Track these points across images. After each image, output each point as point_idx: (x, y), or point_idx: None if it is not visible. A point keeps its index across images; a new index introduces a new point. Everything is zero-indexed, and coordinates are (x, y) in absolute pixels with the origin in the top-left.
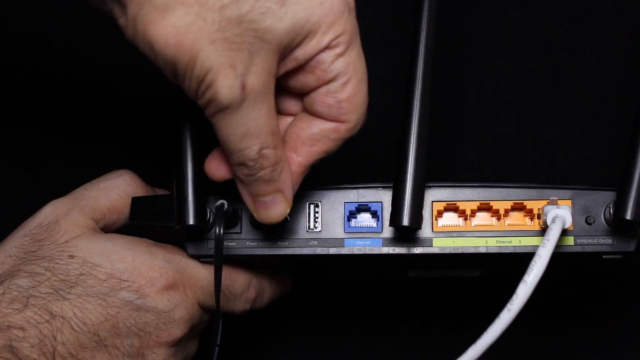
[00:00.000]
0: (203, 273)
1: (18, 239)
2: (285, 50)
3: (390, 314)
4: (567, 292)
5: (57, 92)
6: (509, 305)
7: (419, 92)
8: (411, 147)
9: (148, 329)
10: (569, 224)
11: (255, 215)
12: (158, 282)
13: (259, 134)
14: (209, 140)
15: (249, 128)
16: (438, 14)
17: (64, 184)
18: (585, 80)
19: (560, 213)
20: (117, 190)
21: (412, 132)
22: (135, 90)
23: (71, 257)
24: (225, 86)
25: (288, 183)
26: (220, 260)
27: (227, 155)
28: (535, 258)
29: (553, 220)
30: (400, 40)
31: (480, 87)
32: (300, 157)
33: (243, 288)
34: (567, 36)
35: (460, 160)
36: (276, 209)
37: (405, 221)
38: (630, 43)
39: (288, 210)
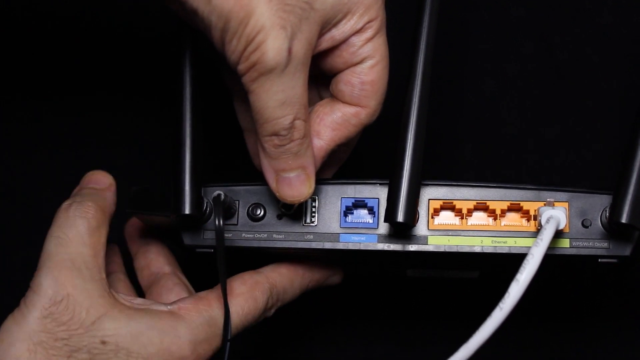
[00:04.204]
0: (221, 323)
1: (38, 322)
2: (326, 25)
3: (387, 312)
4: (565, 293)
5: (54, 88)
6: (500, 304)
7: (418, 89)
8: (408, 145)
9: None
10: (563, 225)
11: (277, 194)
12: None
13: (295, 104)
14: (208, 131)
15: (287, 96)
16: (440, 12)
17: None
18: (586, 80)
19: (555, 214)
20: (85, 232)
21: (410, 130)
22: (135, 79)
23: (103, 343)
24: (274, 47)
25: (312, 161)
26: (222, 251)
27: (259, 126)
28: (528, 257)
29: (547, 221)
30: (400, 38)
31: (481, 86)
32: (323, 140)
33: (262, 310)
34: (568, 36)
35: (460, 160)
36: (299, 188)
37: (400, 217)
38: (631, 43)
39: (310, 191)
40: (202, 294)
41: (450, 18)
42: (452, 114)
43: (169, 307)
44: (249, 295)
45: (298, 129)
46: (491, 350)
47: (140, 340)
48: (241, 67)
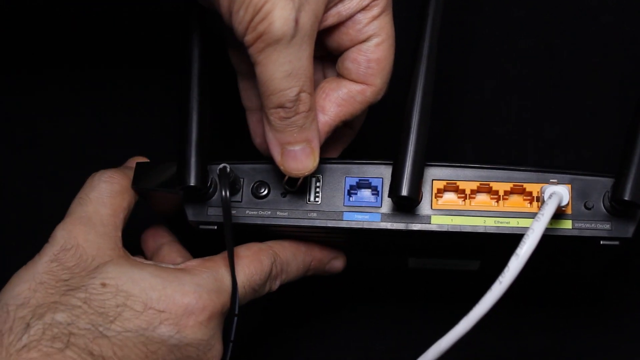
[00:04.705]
0: (228, 280)
1: (45, 265)
2: (332, 0)
3: (388, 302)
4: (567, 281)
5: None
6: (500, 278)
7: (423, 67)
8: (413, 123)
9: None
10: (566, 201)
11: (282, 168)
12: (195, 309)
13: (301, 76)
14: (215, 106)
15: (294, 67)
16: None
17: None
18: (587, 80)
19: (558, 190)
20: (107, 194)
21: (415, 109)
22: (141, 53)
23: (104, 285)
24: (281, 17)
25: (316, 135)
26: (229, 222)
27: (265, 99)
28: (529, 232)
29: (550, 196)
30: (406, 19)
31: (481, 86)
32: (327, 116)
33: (267, 274)
34: (568, 36)
35: (461, 160)
36: (304, 161)
37: (404, 191)
38: (631, 43)
39: (315, 165)
40: (208, 257)
41: (450, 18)
42: (453, 113)
43: (175, 266)
44: (254, 257)
45: (304, 102)
46: (493, 334)
47: (142, 285)
48: (248, 38)
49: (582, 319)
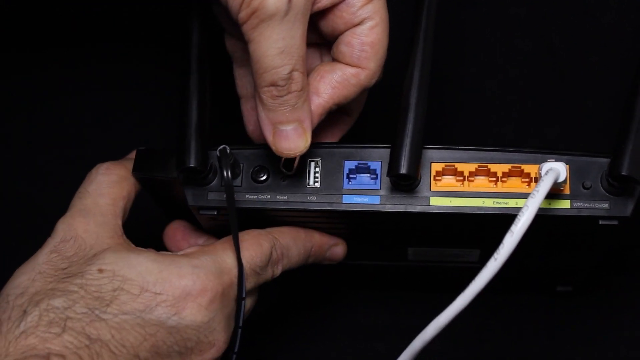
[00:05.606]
0: (232, 263)
1: (45, 256)
2: None
3: (389, 298)
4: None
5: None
6: (495, 255)
7: (421, 47)
8: (411, 103)
9: (189, 345)
10: (563, 177)
11: (274, 148)
12: (193, 290)
13: (293, 54)
14: (215, 90)
15: (287, 45)
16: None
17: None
18: (586, 80)
19: (555, 166)
20: (105, 185)
21: (413, 91)
22: (141, 53)
23: (100, 271)
24: None
25: (308, 115)
26: (232, 202)
27: (257, 77)
28: (523, 209)
29: (546, 173)
30: (402, 5)
31: (481, 86)
32: (321, 98)
33: (267, 257)
34: (568, 35)
35: None
36: (296, 141)
37: (403, 169)
38: (631, 43)
39: (306, 145)
40: (207, 244)
41: (449, 17)
42: (453, 114)
43: (174, 252)
44: (253, 240)
45: (296, 81)
46: (492, 333)
47: (138, 269)
48: (242, 15)
49: (582, 315)
